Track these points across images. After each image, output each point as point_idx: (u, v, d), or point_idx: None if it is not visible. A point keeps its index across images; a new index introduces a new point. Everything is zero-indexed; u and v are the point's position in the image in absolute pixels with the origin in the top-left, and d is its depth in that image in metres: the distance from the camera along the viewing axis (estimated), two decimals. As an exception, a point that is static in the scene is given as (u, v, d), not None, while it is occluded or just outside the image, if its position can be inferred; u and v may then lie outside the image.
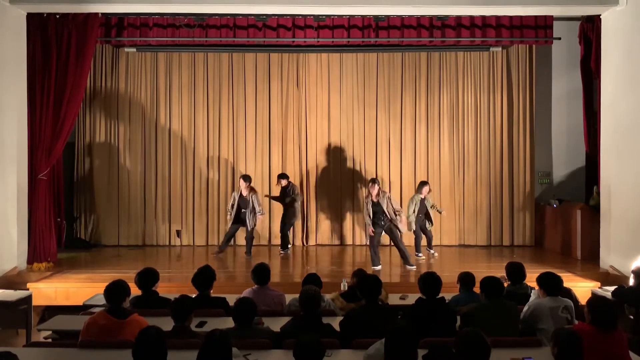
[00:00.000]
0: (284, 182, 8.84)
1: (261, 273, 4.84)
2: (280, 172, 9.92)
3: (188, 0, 7.61)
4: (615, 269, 7.32)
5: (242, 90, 10.03)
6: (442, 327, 3.90)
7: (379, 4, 7.67)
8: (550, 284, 4.27)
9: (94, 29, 7.98)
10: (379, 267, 7.77)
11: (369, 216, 7.70)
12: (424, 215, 8.54)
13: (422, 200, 8.48)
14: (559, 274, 4.47)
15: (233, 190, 9.92)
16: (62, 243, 9.19)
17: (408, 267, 7.72)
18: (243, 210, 8.39)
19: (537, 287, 4.44)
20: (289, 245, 9.19)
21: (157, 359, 3.05)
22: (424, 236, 8.73)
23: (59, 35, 7.85)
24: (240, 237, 9.80)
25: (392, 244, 8.19)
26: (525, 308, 4.25)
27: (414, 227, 8.43)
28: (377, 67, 10.02)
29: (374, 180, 7.87)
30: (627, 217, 7.19)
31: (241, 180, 8.50)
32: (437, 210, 8.75)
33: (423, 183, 8.61)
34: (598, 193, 8.24)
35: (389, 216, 7.62)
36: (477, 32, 8.97)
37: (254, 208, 8.33)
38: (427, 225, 8.65)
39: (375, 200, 7.67)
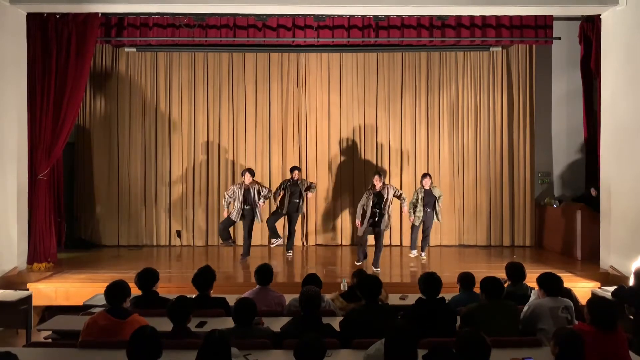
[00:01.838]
0: (297, 175, 8.57)
1: (264, 273, 4.84)
2: (280, 171, 9.96)
3: (188, 0, 7.61)
4: (615, 269, 7.32)
5: (242, 90, 10.04)
6: (442, 327, 3.90)
7: (379, 4, 7.67)
8: (550, 284, 4.26)
9: (94, 29, 7.98)
10: (360, 263, 7.80)
11: (364, 208, 7.71)
12: (431, 208, 8.34)
13: (427, 193, 8.36)
14: (559, 274, 4.46)
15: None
16: (62, 243, 9.19)
17: (374, 269, 7.66)
18: (247, 206, 8.20)
19: (537, 288, 4.44)
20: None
21: (150, 358, 3.05)
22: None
23: (59, 35, 7.85)
24: (241, 238, 9.81)
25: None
26: (525, 308, 4.25)
27: (417, 222, 8.42)
28: (377, 67, 10.02)
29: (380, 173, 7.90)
30: (627, 217, 7.19)
31: (247, 174, 8.21)
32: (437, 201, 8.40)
33: (423, 175, 8.54)
34: (595, 191, 8.25)
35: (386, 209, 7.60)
36: (477, 32, 8.97)
37: (256, 201, 8.18)
38: (432, 220, 8.37)
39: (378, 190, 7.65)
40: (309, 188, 8.65)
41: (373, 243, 7.92)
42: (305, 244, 9.94)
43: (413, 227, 8.57)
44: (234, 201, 8.22)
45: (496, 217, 9.91)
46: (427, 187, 8.37)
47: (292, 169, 8.67)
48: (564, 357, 3.11)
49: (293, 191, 8.51)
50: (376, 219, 7.65)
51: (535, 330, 4.09)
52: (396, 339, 3.05)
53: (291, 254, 8.70)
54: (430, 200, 8.36)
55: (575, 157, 9.89)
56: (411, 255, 8.59)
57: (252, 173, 8.37)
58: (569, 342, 3.12)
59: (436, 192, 8.41)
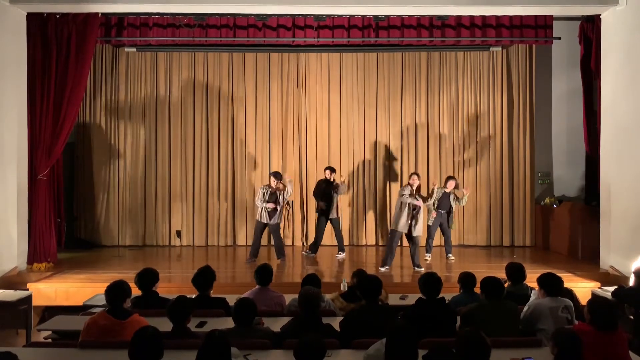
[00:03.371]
0: (331, 175, 8.54)
1: (264, 274, 4.84)
2: (280, 171, 9.94)
3: (188, 0, 7.61)
4: (615, 269, 7.32)
5: (242, 90, 10.04)
6: (442, 327, 3.90)
7: (379, 4, 7.67)
8: (551, 285, 4.27)
9: (94, 29, 7.97)
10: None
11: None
12: (446, 212, 8.36)
13: (446, 195, 8.34)
14: (559, 274, 4.47)
15: (234, 190, 9.95)
16: (62, 243, 9.18)
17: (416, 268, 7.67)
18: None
19: (537, 288, 4.44)
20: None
21: (152, 358, 3.05)
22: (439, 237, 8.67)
23: (59, 35, 7.85)
24: (241, 238, 9.82)
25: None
26: (525, 308, 4.25)
27: (430, 222, 8.43)
28: (377, 67, 10.02)
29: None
30: (627, 217, 7.19)
31: (272, 178, 8.19)
32: (457, 199, 8.35)
33: (448, 178, 8.51)
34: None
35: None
36: (477, 32, 8.97)
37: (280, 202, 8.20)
38: (449, 224, 8.41)
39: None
40: (337, 188, 8.54)
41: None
42: (305, 243, 9.93)
43: (429, 230, 8.53)
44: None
45: (496, 217, 9.91)
46: (448, 190, 8.34)
47: (330, 170, 8.66)
48: (563, 357, 3.11)
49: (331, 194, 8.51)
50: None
51: (536, 330, 4.09)
52: (397, 338, 3.05)
53: (342, 255, 8.67)
54: (446, 204, 8.34)
55: (575, 157, 9.88)
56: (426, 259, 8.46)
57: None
58: (568, 342, 3.12)
59: (453, 200, 8.32)
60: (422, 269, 7.53)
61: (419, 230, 7.60)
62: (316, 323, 3.85)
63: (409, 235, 7.65)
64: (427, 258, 8.42)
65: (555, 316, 4.07)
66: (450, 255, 8.57)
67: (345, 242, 9.91)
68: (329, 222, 8.64)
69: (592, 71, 8.55)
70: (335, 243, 8.88)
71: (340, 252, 8.72)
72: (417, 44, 9.51)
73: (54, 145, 7.86)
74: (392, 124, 10.04)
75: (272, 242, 8.71)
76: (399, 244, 8.00)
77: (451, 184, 8.35)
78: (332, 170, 8.65)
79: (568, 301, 4.21)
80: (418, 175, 7.74)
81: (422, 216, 7.59)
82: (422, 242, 8.78)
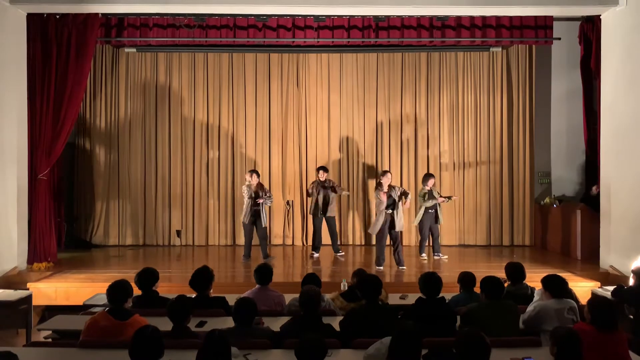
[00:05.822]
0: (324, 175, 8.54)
1: (264, 273, 4.84)
2: (280, 171, 9.96)
3: (188, 0, 7.61)
4: (615, 269, 7.32)
5: (242, 90, 10.04)
6: (442, 327, 3.89)
7: (379, 4, 7.67)
8: (556, 286, 4.25)
9: (94, 29, 7.98)
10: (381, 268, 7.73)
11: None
12: (433, 211, 8.42)
13: (430, 193, 8.40)
14: (559, 274, 4.47)
15: (234, 190, 9.96)
16: (62, 243, 9.20)
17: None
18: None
19: (538, 288, 4.43)
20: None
21: (153, 358, 3.05)
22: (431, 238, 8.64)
23: (59, 35, 7.85)
24: (241, 238, 9.81)
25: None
26: (530, 308, 4.23)
27: (415, 223, 8.49)
28: (377, 67, 10.03)
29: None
30: (627, 217, 7.19)
31: (255, 175, 8.21)
32: (445, 198, 8.45)
33: (427, 175, 8.57)
34: (597, 188, 8.25)
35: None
36: (477, 33, 8.97)
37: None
38: (437, 222, 8.45)
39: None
40: (334, 189, 8.53)
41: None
42: (305, 243, 9.94)
43: (421, 232, 8.59)
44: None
45: (496, 217, 9.91)
46: (429, 188, 8.40)
47: (319, 169, 8.63)
48: (562, 357, 3.11)
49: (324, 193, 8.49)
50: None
51: (540, 331, 4.08)
52: (402, 341, 3.02)
53: (342, 254, 8.69)
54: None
55: (575, 157, 9.89)
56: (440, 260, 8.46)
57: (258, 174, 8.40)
58: (567, 341, 3.12)
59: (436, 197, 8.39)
60: (404, 268, 7.62)
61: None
62: (316, 322, 3.85)
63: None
64: (422, 257, 8.43)
65: (561, 318, 4.05)
66: (440, 254, 8.53)
67: (344, 240, 9.93)
68: (324, 220, 8.61)
69: (592, 71, 8.56)
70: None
71: (338, 252, 8.71)
72: (417, 45, 9.52)
73: (54, 145, 7.86)
74: (392, 124, 10.04)
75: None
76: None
77: (430, 182, 8.43)
78: (325, 170, 8.63)
79: (573, 302, 4.20)
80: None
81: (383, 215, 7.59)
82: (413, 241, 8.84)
